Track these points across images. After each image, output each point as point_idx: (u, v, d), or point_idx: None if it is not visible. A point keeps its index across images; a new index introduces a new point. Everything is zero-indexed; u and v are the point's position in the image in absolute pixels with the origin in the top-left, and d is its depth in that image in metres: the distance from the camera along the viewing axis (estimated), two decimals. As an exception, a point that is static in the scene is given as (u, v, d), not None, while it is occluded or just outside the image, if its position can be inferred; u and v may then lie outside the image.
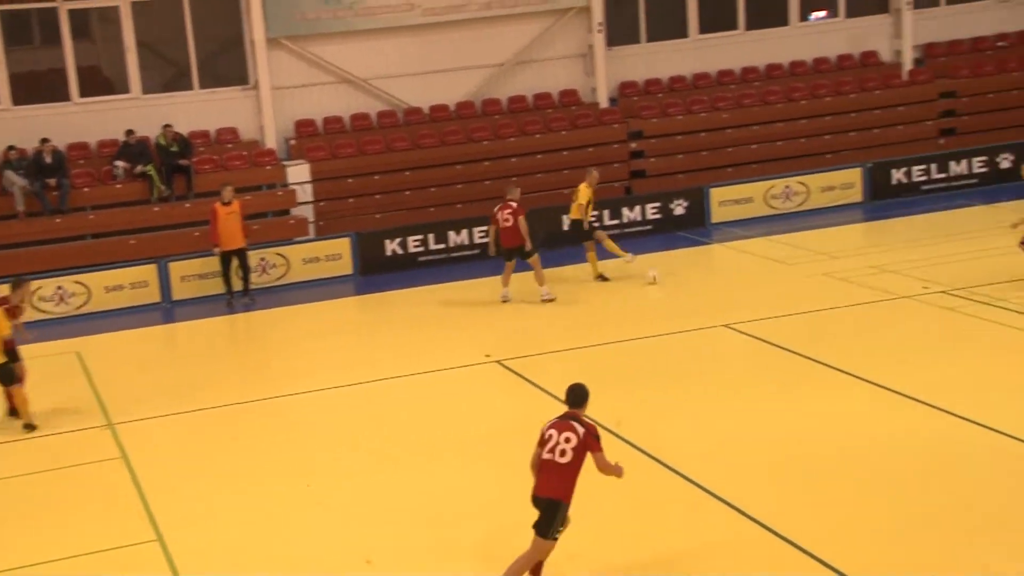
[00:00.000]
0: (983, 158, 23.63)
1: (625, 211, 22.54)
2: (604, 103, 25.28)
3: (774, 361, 14.57)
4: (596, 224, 19.97)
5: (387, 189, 23.44)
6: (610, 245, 19.28)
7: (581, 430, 8.85)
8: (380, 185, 23.47)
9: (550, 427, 8.97)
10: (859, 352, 14.39)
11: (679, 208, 22.79)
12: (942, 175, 23.59)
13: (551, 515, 8.89)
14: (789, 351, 14.70)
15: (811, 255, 19.72)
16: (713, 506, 10.49)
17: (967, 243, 19.15)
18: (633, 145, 24.73)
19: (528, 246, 18.20)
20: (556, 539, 8.94)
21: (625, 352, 15.53)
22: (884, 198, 23.35)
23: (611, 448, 11.96)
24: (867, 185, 23.43)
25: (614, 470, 9.01)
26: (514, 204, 18.38)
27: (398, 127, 24.37)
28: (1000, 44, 26.74)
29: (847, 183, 23.47)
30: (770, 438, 12.02)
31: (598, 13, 24.89)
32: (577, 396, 9.06)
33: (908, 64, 26.34)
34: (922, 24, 26.42)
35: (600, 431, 9.09)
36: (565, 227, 20.02)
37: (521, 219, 18.21)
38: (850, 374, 13.56)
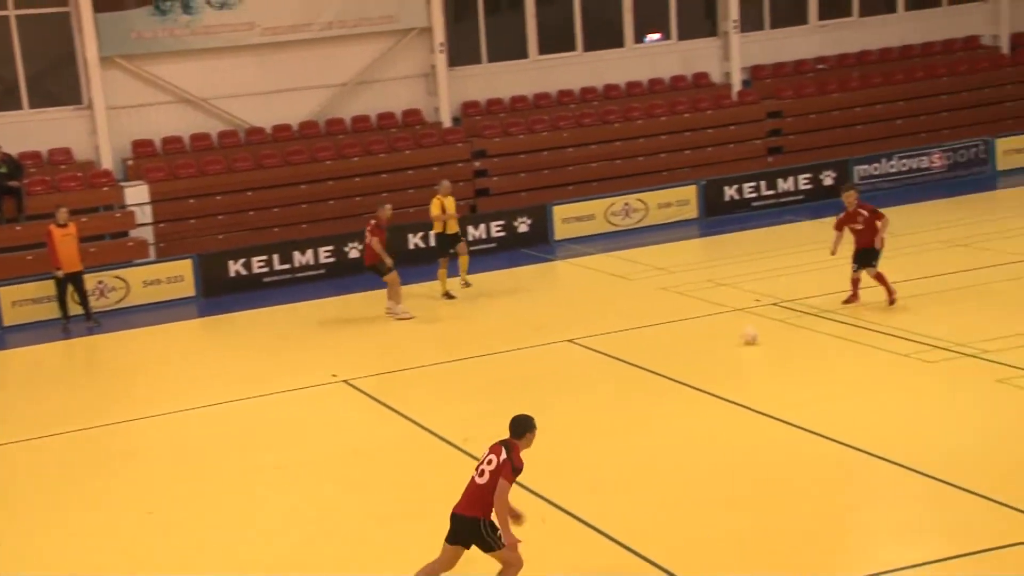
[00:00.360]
0: (808, 175, 24.80)
1: (470, 229, 22.81)
2: (447, 122, 25.55)
3: (617, 375, 14.98)
4: (461, 237, 20.28)
5: (229, 210, 23.17)
6: (463, 261, 19.59)
7: (503, 457, 8.94)
8: (222, 205, 23.17)
9: (490, 447, 9.12)
10: (698, 364, 14.89)
11: (523, 226, 23.21)
12: (771, 192, 24.65)
13: (475, 532, 8.92)
14: (632, 364, 15.14)
15: (650, 270, 20.34)
16: (561, 520, 10.72)
17: (795, 257, 20.06)
18: (477, 164, 25.07)
19: (387, 263, 18.26)
20: (503, 545, 8.88)
21: (472, 369, 15.74)
22: (718, 214, 24.24)
23: (457, 465, 12.18)
24: (702, 202, 24.30)
25: (504, 514, 8.81)
26: (372, 222, 18.44)
27: (240, 147, 24.12)
28: (820, 67, 28.13)
29: (683, 200, 24.29)
30: (616, 451, 12.34)
31: (439, 34, 25.17)
32: (513, 426, 9.15)
33: (737, 85, 27.45)
34: (748, 47, 27.57)
35: (511, 464, 8.92)
36: (411, 246, 20.20)
37: (374, 239, 18.24)
38: (690, 386, 14.05)
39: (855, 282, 16.66)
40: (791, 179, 24.75)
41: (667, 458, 12.06)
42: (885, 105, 27.17)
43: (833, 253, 16.74)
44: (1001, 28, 28.85)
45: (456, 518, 9.04)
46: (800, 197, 24.64)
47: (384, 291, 18.57)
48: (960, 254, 18.96)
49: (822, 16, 28.39)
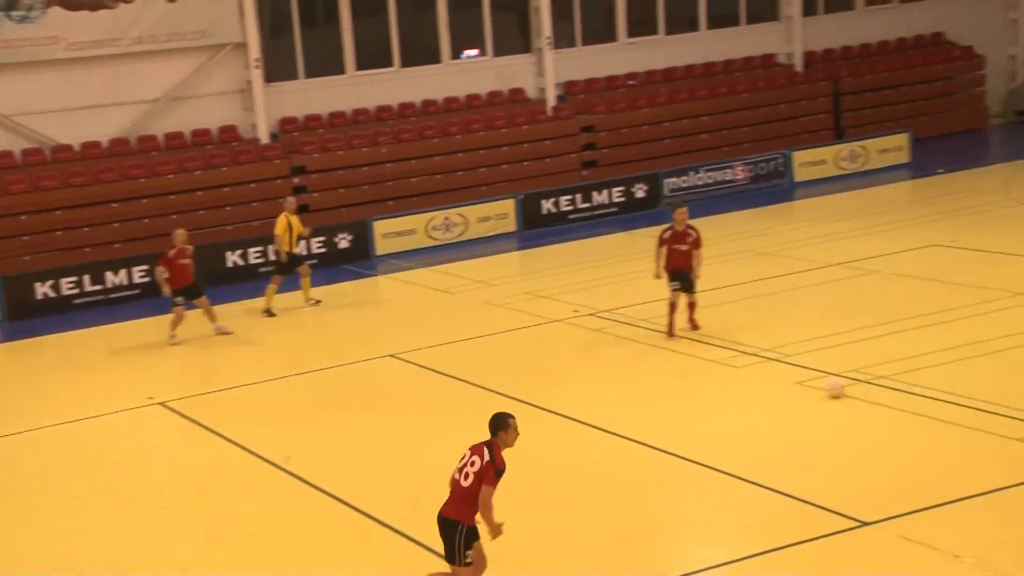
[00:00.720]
0: (621, 188, 25.60)
1: (290, 246, 22.67)
2: (265, 139, 25.31)
3: (439, 388, 15.19)
4: (302, 255, 20.11)
5: (35, 230, 22.39)
6: (305, 284, 19.48)
7: (487, 458, 8.84)
8: (28, 226, 22.37)
9: (470, 448, 9.01)
10: (519, 375, 15.25)
11: (344, 242, 23.19)
12: (586, 205, 25.33)
13: (450, 537, 8.82)
14: (453, 378, 15.37)
15: (471, 283, 20.65)
16: (386, 536, 10.81)
17: (610, 268, 20.71)
18: (295, 180, 24.90)
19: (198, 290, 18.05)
20: (468, 563, 8.84)
21: (292, 387, 15.69)
22: (536, 227, 24.76)
23: (279, 484, 12.16)
24: (520, 215, 24.79)
25: (490, 515, 8.76)
26: (170, 252, 17.96)
27: (46, 165, 23.33)
28: (630, 83, 29.08)
29: (502, 214, 24.72)
30: (439, 465, 12.50)
31: (255, 49, 24.92)
32: (492, 425, 8.93)
33: (551, 101, 28.10)
34: (561, 63, 28.26)
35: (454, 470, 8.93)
36: (230, 264, 19.92)
37: (175, 263, 17.84)
38: (511, 397, 14.34)
39: (673, 306, 15.94)
40: (605, 192, 25.49)
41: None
42: (691, 120, 28.29)
43: (658, 276, 16.07)
44: (795, 47, 30.41)
45: (440, 520, 8.93)
46: (614, 209, 25.39)
47: (199, 312, 18.25)
48: (763, 262, 19.94)
49: (631, 34, 29.35)
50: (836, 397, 13.11)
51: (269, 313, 19.20)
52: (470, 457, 8.87)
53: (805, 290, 18.08)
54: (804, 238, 21.51)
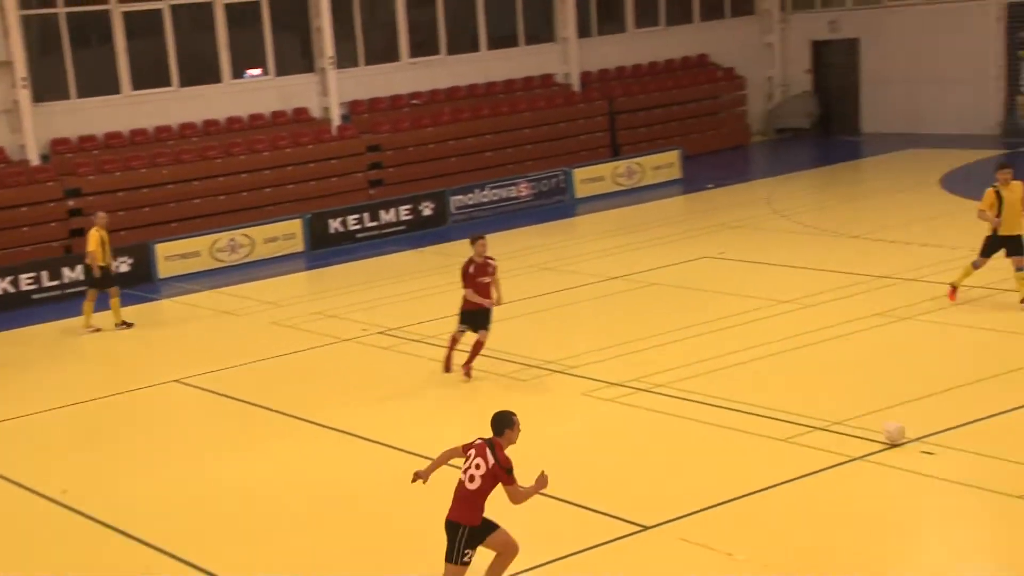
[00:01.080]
0: (408, 206, 25.83)
1: (66, 271, 21.86)
2: (35, 160, 24.34)
3: (227, 412, 14.99)
4: (115, 273, 19.64)
5: None
6: (115, 304, 18.96)
7: (491, 461, 8.78)
8: None
9: (471, 446, 8.90)
10: (307, 396, 15.21)
11: (124, 265, 22.46)
12: (374, 223, 25.45)
13: (452, 537, 8.84)
14: (242, 401, 15.21)
15: (259, 305, 20.43)
16: (171, 567, 10.60)
17: (398, 286, 20.89)
18: (71, 203, 24.04)
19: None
20: (466, 563, 8.83)
21: (70, 417, 15.17)
22: (324, 247, 24.70)
23: (55, 519, 11.76)
24: (307, 235, 24.67)
25: (532, 492, 8.95)
26: None
27: None
28: (414, 102, 29.39)
29: (289, 234, 24.55)
30: (228, 490, 12.39)
31: (21, 68, 23.95)
32: (494, 423, 8.97)
33: (336, 120, 28.10)
34: (345, 83, 28.31)
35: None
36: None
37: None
38: (300, 418, 14.34)
39: (455, 341, 15.19)
40: (393, 210, 25.67)
41: (271, 489, 12.26)
42: (475, 138, 28.83)
43: (495, 305, 15.10)
44: (571, 67, 31.45)
45: (446, 523, 8.92)
46: (402, 228, 25.60)
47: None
48: (547, 277, 20.55)
49: (413, 54, 29.67)
50: (897, 444, 11.74)
51: (125, 325, 18.97)
52: (474, 459, 8.87)
53: (588, 303, 18.75)
54: (586, 252, 22.28)
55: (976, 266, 16.40)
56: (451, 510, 9.00)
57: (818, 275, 18.78)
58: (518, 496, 8.89)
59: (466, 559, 8.88)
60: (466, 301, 14.96)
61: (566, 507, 11.20)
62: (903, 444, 11.76)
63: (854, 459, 11.67)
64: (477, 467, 8.83)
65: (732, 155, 32.06)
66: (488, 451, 8.85)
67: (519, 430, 9.03)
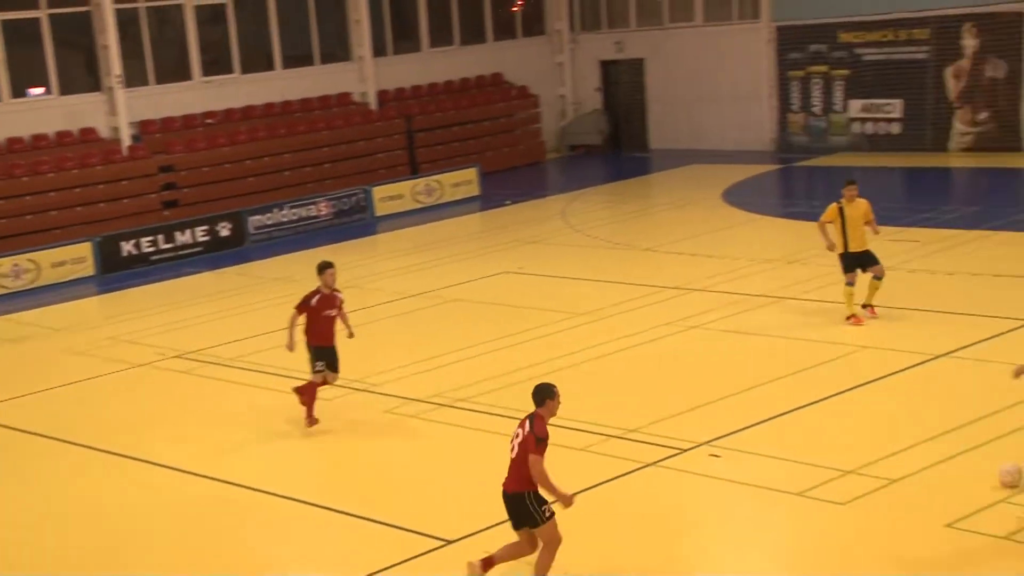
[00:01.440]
0: (205, 227, 25.32)
1: None
2: None
3: (12, 446, 14.39)
4: None
5: None
6: None
7: (527, 430, 9.08)
8: None
9: (520, 421, 9.31)
10: (101, 425, 14.77)
11: None
12: (169, 245, 24.82)
13: (522, 508, 9.14)
14: (26, 432, 14.63)
15: (47, 332, 19.67)
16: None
17: (197, 308, 20.46)
18: None
19: None
20: (550, 517, 9.16)
21: None
22: (116, 270, 23.93)
23: None
24: (98, 258, 23.85)
25: (548, 484, 9.05)
26: None
27: None
28: (208, 122, 28.85)
29: (78, 258, 23.69)
30: (18, 531, 11.94)
31: None
32: (535, 395, 9.28)
33: (126, 140, 27.29)
34: (135, 102, 27.53)
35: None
36: None
37: None
38: (94, 448, 13.89)
39: (316, 387, 13.88)
40: (189, 232, 25.10)
41: (54, 523, 11.93)
42: (273, 157, 28.51)
43: (291, 348, 13.88)
44: (368, 86, 31.50)
45: (504, 497, 9.23)
46: (199, 249, 25.06)
47: None
48: (349, 295, 20.33)
49: (205, 72, 29.13)
50: (1015, 486, 10.66)
51: None
52: (516, 430, 9.29)
53: (390, 320, 18.83)
54: (387, 270, 22.37)
55: (850, 284, 16.19)
56: (506, 481, 9.31)
57: (614, 287, 19.42)
58: (536, 467, 9.09)
59: (548, 514, 9.21)
60: (313, 336, 13.69)
61: (371, 525, 11.27)
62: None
63: (648, 465, 12.15)
64: (517, 436, 9.28)
65: (528, 171, 32.76)
66: (527, 422, 9.24)
67: (559, 401, 9.36)
